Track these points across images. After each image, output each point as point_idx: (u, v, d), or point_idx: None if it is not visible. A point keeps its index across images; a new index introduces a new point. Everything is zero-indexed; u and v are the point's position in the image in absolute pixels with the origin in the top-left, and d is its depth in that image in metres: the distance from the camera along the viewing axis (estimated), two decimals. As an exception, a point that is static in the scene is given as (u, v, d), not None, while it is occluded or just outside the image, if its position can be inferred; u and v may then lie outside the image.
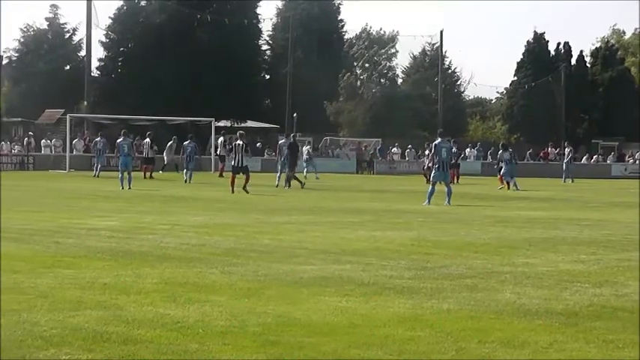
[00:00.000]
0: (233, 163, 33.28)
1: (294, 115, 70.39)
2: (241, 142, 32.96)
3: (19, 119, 70.54)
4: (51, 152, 59.54)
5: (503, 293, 10.59)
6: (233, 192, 31.48)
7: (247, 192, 31.33)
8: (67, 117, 56.06)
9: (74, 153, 57.36)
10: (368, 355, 7.56)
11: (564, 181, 50.50)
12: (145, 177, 44.82)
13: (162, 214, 21.60)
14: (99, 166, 48.46)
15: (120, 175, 34.57)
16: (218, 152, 51.36)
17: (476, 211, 25.10)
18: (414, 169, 54.67)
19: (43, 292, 10.00)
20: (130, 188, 33.34)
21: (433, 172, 28.13)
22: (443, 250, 14.89)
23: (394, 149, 70.32)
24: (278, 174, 38.84)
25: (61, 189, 34.00)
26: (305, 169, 46.43)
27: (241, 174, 32.55)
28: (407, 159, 69.68)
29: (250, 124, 75.32)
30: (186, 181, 40.55)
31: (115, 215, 21.04)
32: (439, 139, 28.40)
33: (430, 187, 27.69)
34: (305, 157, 47.95)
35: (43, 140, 60.50)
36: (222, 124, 69.11)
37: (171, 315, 8.85)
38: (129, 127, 60.87)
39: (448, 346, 7.89)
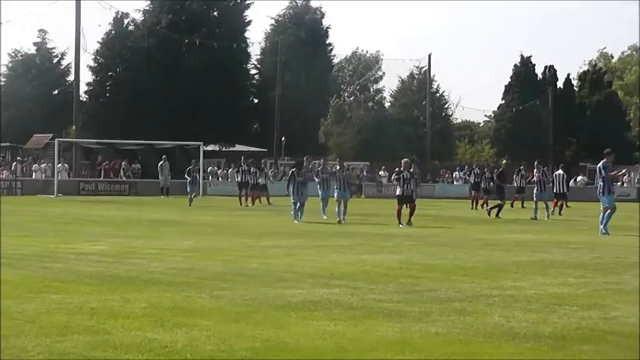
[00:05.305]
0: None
1: (282, 139, 70.43)
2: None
3: (7, 144, 70.51)
4: (41, 177, 59.40)
5: (492, 316, 10.59)
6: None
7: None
8: (56, 141, 55.94)
9: (61, 178, 57.29)
10: (356, 379, 7.55)
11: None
12: (252, 203, 44.62)
13: (151, 239, 21.56)
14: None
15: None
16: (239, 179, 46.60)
17: (465, 235, 25.11)
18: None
19: (30, 317, 9.96)
20: None
21: (604, 198, 25.38)
22: (431, 273, 14.88)
23: (381, 172, 70.29)
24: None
25: (50, 213, 33.90)
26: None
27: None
28: (395, 183, 69.46)
29: (239, 147, 75.39)
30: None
31: (104, 240, 20.98)
32: (605, 159, 25.22)
33: (603, 213, 25.46)
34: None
35: (35, 165, 60.32)
36: (210, 148, 69.15)
37: (159, 339, 8.83)
38: (117, 151, 61.02)
39: (437, 369, 7.88)
